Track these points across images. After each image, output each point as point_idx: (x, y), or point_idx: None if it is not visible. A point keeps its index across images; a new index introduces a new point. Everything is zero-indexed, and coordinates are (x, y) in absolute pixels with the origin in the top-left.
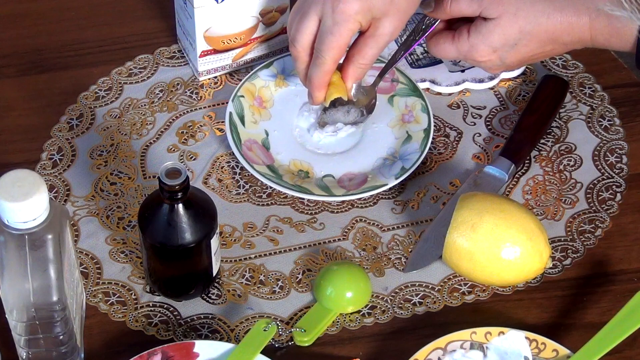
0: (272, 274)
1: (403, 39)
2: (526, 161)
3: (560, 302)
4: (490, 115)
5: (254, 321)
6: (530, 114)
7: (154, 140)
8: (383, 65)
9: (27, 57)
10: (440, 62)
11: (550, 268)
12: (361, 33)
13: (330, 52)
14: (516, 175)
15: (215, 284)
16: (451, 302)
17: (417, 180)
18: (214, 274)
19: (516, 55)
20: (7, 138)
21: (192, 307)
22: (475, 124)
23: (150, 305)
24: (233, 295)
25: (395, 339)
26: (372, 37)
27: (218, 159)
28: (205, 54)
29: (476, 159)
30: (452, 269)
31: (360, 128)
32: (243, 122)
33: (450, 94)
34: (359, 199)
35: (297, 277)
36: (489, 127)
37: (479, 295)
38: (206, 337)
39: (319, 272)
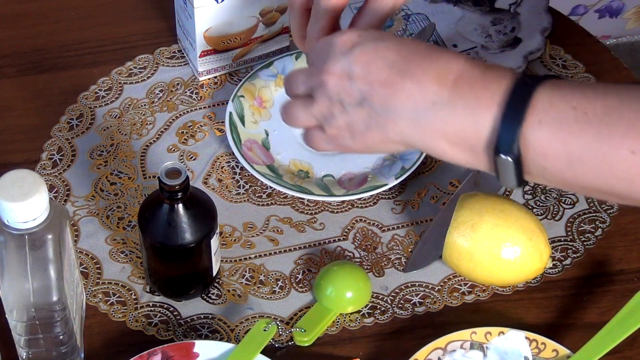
0: (272, 274)
1: None
2: None
3: (560, 302)
4: None
5: (254, 321)
6: None
7: (154, 140)
8: None
9: (27, 57)
10: None
11: (550, 268)
12: None
13: (325, 1)
14: None
15: (215, 284)
16: (451, 302)
17: (417, 180)
18: (214, 274)
19: (369, 54)
20: (7, 138)
21: (192, 307)
22: None
23: (150, 305)
24: (233, 295)
25: (395, 339)
26: None
27: (218, 159)
28: (205, 54)
29: None
30: (452, 269)
31: None
32: (243, 122)
33: None
34: (359, 199)
35: (297, 277)
36: None
37: (479, 295)
38: (206, 337)
39: (319, 272)
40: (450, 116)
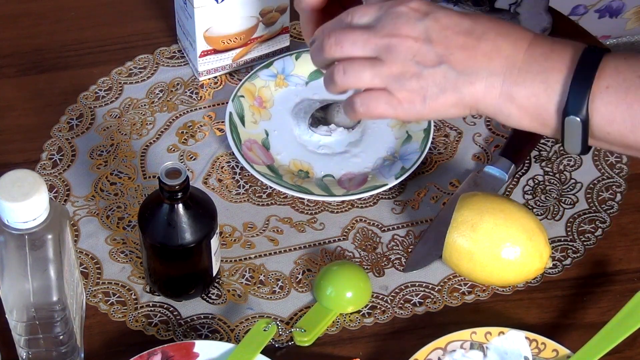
0: (272, 274)
1: None
2: (526, 161)
3: (560, 302)
4: None
5: (254, 321)
6: None
7: (154, 140)
8: None
9: (27, 57)
10: None
11: (550, 268)
12: None
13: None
14: (516, 175)
15: (215, 284)
16: (451, 302)
17: (417, 180)
18: (214, 274)
19: (444, 20)
20: (7, 138)
21: (192, 307)
22: (475, 123)
23: (150, 305)
24: (233, 295)
25: (395, 339)
26: None
27: (218, 159)
28: (205, 54)
29: (476, 159)
30: (452, 269)
31: (360, 128)
32: (243, 122)
33: None
34: (359, 199)
35: (297, 277)
36: (489, 127)
37: (479, 295)
38: (206, 337)
39: (319, 272)
40: (524, 79)
